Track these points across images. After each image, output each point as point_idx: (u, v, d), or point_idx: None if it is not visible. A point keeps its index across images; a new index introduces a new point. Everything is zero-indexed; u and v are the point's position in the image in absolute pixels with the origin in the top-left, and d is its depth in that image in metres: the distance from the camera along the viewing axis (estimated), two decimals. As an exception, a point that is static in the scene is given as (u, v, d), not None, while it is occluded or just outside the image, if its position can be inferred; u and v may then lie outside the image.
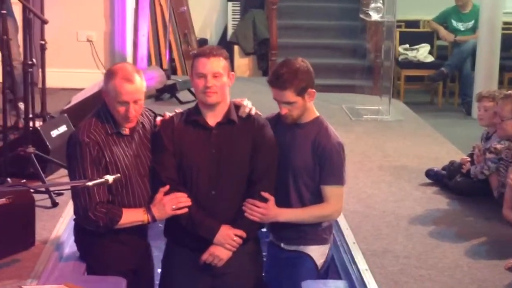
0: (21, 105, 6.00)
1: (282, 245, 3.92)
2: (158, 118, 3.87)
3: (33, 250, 4.14)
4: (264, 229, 4.03)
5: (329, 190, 3.78)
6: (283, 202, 3.78)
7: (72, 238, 4.06)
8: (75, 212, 3.74)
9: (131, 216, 3.69)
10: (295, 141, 3.82)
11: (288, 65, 3.76)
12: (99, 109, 3.75)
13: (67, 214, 4.64)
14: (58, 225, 4.53)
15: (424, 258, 4.34)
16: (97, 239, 3.75)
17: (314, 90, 3.78)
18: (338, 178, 3.79)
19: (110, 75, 3.68)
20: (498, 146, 5.08)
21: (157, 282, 4.06)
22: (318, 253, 3.88)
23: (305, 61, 3.80)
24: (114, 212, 3.64)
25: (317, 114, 3.87)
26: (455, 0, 9.97)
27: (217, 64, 3.64)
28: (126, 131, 3.74)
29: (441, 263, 4.28)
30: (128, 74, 3.66)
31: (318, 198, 3.81)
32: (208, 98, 3.66)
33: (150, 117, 3.89)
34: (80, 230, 3.83)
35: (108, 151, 3.66)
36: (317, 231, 3.86)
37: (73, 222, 3.91)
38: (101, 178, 3.38)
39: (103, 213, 3.61)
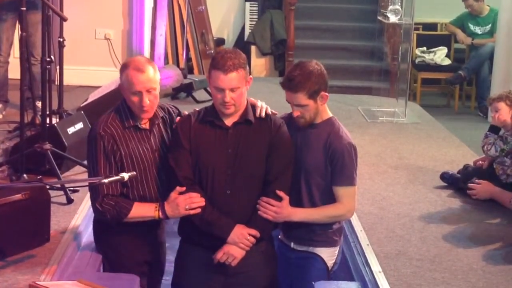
0: (38, 104, 6.04)
1: (292, 245, 3.94)
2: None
3: (47, 246, 4.15)
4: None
5: (341, 191, 3.79)
6: (294, 201, 3.79)
7: (86, 233, 4.08)
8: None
9: (141, 211, 3.72)
10: (307, 142, 3.82)
11: (301, 67, 3.74)
12: (119, 104, 3.80)
13: (82, 211, 4.66)
14: (73, 221, 4.54)
15: (438, 261, 4.32)
16: (114, 230, 3.79)
17: (327, 93, 3.78)
18: (349, 179, 3.79)
19: (123, 67, 3.75)
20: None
21: (168, 279, 4.07)
22: (328, 254, 3.90)
23: (319, 64, 3.79)
24: (122, 205, 3.68)
25: (330, 115, 3.87)
26: (467, 7, 9.94)
27: (235, 78, 3.61)
28: (144, 125, 3.78)
29: (455, 266, 4.26)
30: (139, 64, 3.70)
31: (329, 198, 3.82)
32: (226, 110, 3.68)
33: (173, 114, 3.93)
34: (98, 221, 3.88)
35: (124, 145, 3.71)
36: (327, 233, 3.87)
37: (88, 218, 3.94)
38: (117, 175, 3.41)
39: (111, 206, 3.66)
